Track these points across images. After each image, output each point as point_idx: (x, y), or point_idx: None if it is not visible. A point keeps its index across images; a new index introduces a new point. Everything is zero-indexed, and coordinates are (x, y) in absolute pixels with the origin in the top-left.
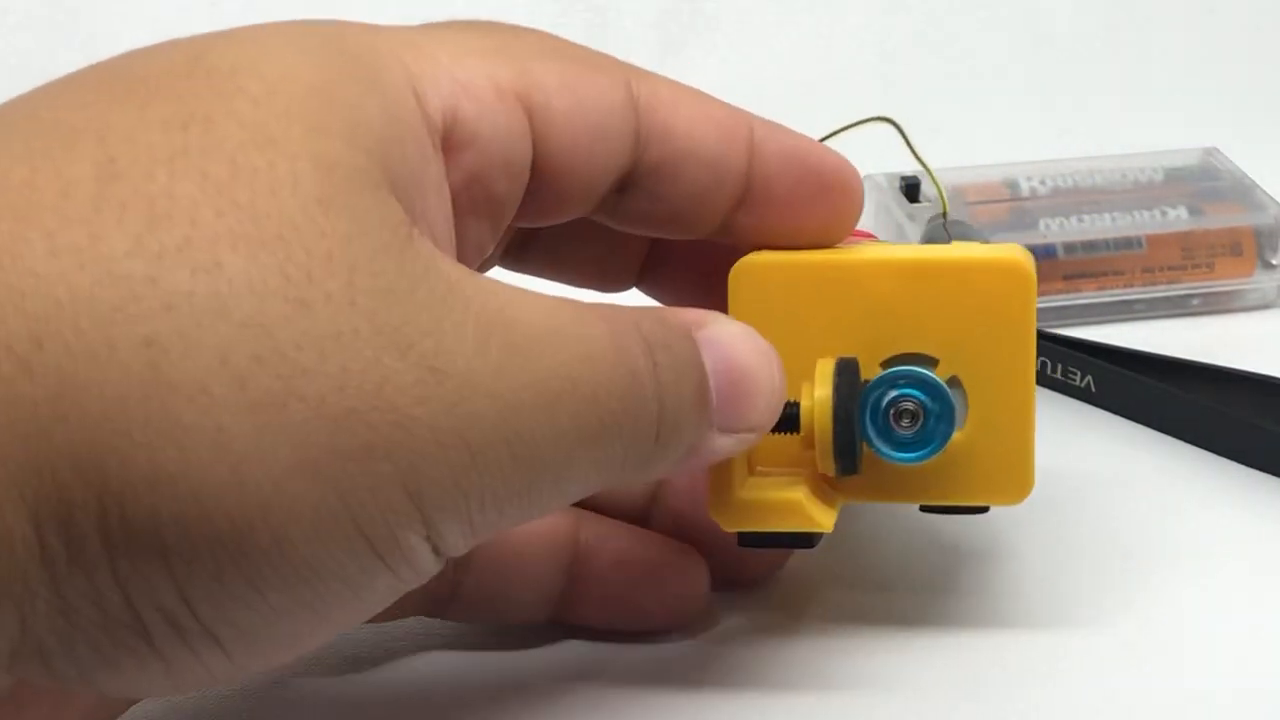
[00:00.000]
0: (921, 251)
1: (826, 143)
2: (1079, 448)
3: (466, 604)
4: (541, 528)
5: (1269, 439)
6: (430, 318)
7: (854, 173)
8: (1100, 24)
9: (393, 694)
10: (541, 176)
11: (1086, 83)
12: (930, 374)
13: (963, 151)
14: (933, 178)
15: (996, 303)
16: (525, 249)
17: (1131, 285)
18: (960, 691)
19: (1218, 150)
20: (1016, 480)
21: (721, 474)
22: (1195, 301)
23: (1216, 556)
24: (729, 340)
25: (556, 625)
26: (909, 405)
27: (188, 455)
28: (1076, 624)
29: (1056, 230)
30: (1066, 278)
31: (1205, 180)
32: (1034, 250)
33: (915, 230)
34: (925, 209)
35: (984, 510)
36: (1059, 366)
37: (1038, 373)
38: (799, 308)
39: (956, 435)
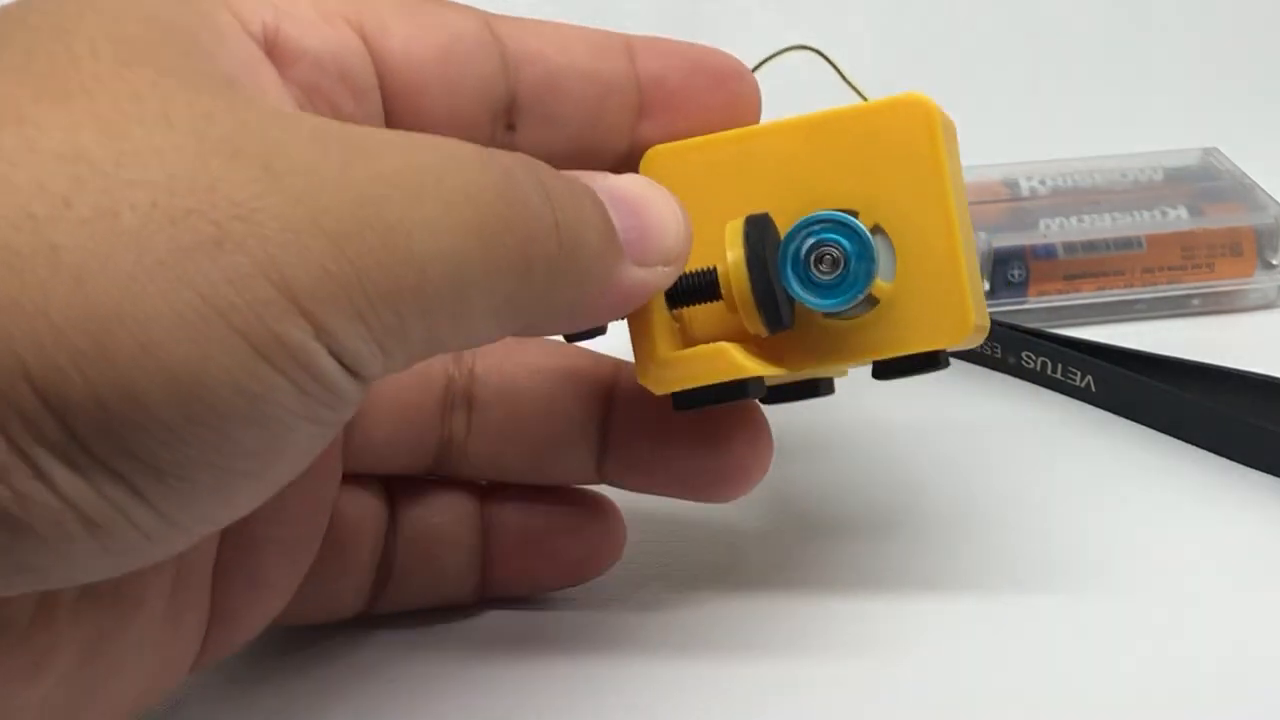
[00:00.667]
0: (827, 110)
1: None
2: (1079, 448)
3: (396, 591)
4: (448, 499)
5: (1269, 439)
6: (259, 129)
7: (741, 63)
8: (1100, 24)
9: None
10: (397, 101)
11: (1086, 83)
12: (843, 215)
13: (963, 151)
14: (865, 100)
15: (901, 144)
16: None
17: (1131, 285)
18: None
19: (1218, 150)
20: (953, 318)
21: (645, 337)
22: (1195, 301)
23: (1216, 556)
24: (621, 181)
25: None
26: (828, 250)
27: (25, 277)
28: (1070, 621)
29: (1056, 230)
30: (1066, 278)
31: (1205, 180)
32: (1034, 250)
33: None
34: None
35: (936, 363)
36: (1059, 366)
37: (1038, 371)
38: (713, 186)
39: (887, 286)
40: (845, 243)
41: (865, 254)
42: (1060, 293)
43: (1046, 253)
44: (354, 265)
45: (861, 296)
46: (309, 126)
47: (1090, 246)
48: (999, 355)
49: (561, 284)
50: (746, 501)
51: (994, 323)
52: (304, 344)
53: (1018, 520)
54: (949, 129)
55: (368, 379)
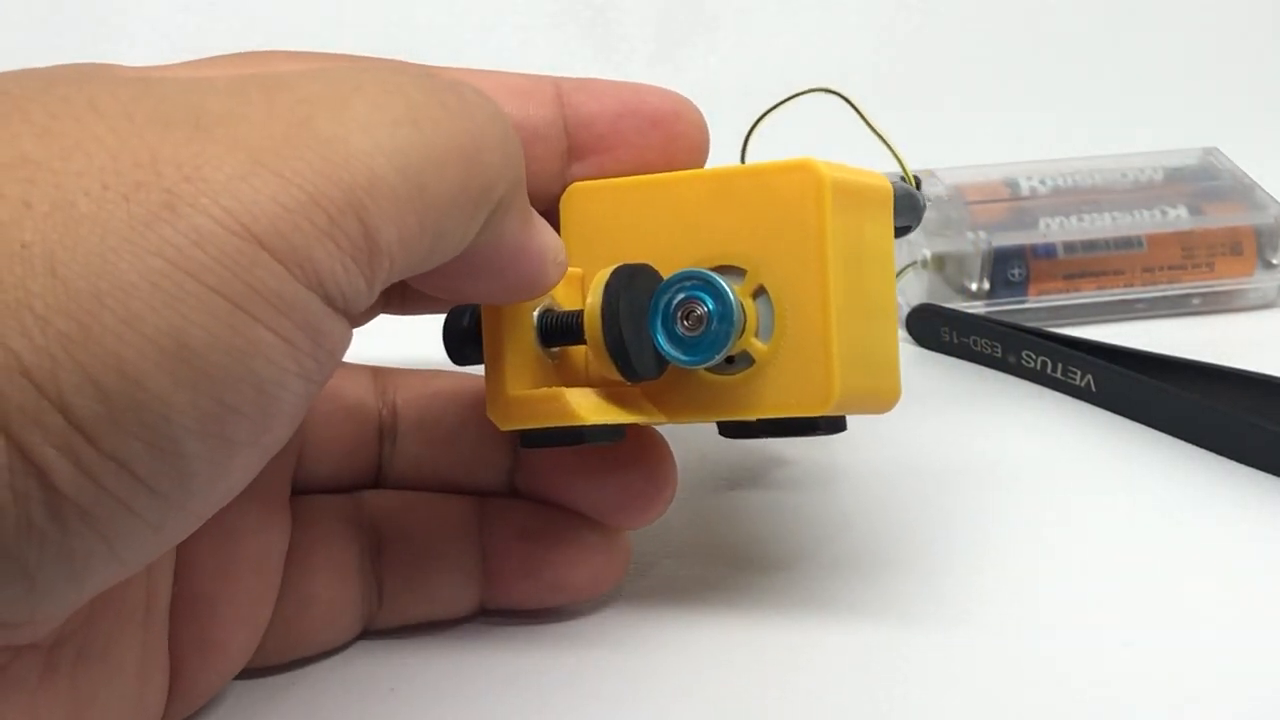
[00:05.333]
0: (730, 166)
1: (766, 117)
2: (1079, 448)
3: (393, 608)
4: (443, 508)
5: (1269, 439)
6: (180, 97)
7: (684, 102)
8: (1100, 24)
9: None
10: None
11: (1086, 83)
12: (712, 275)
13: (963, 151)
14: (888, 144)
15: (788, 208)
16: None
17: (1131, 285)
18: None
19: (1218, 150)
20: (816, 388)
21: (496, 372)
22: (1195, 301)
23: (1216, 555)
24: None
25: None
26: (694, 307)
27: (3, 278)
28: (1070, 619)
29: (1057, 230)
30: (1066, 277)
31: (1205, 180)
32: (1034, 249)
33: None
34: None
35: (814, 428)
36: (1059, 366)
37: (1038, 371)
38: (624, 227)
39: (764, 347)
40: (710, 302)
41: (727, 316)
42: (1060, 292)
43: (1046, 252)
44: (303, 189)
45: (720, 357)
46: (223, 82)
47: (1090, 246)
48: (999, 355)
49: (508, 175)
50: (751, 513)
51: (994, 322)
52: (280, 288)
53: (1017, 519)
54: (860, 191)
55: (351, 311)
